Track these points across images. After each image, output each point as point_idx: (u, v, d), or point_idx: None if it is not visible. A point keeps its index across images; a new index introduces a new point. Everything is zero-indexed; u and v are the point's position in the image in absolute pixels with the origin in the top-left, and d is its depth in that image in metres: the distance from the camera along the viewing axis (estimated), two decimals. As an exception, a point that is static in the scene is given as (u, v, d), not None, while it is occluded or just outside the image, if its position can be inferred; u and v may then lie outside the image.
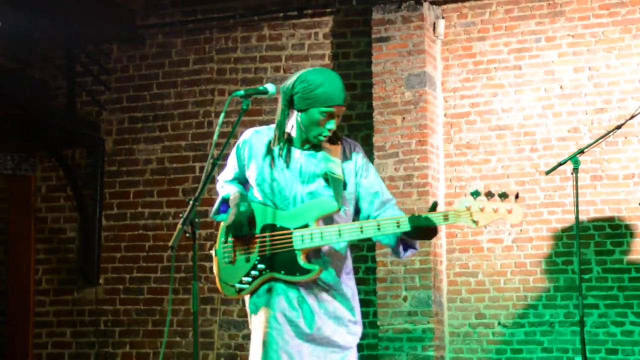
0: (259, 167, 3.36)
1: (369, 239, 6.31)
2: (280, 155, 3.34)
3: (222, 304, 6.89)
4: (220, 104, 7.06)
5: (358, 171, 3.36)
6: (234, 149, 3.48)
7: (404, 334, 6.26)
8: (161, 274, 7.05)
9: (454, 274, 6.47)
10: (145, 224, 7.15)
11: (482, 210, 3.02)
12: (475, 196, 3.03)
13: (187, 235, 3.10)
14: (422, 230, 3.14)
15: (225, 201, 3.40)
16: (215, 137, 3.29)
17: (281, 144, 3.33)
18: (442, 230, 6.50)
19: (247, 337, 6.77)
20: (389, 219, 3.19)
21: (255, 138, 3.42)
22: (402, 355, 6.23)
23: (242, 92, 3.31)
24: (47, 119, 6.99)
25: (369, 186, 3.36)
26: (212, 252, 3.42)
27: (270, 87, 3.34)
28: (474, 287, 6.42)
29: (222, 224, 3.41)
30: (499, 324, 6.35)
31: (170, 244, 3.03)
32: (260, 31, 7.08)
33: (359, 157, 3.38)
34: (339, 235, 3.20)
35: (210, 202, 6.89)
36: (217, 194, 3.51)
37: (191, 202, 3.08)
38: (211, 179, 3.19)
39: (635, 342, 5.99)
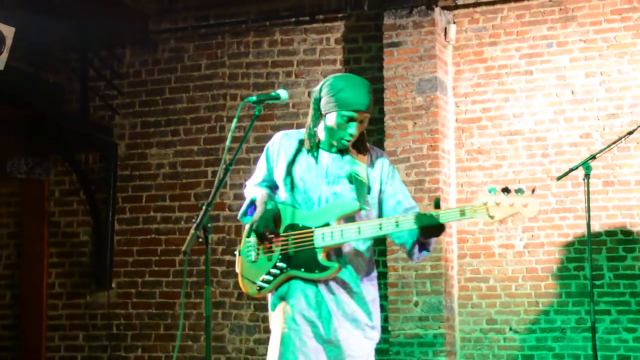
0: (287, 167, 3.44)
1: (383, 243, 6.38)
2: (309, 156, 3.41)
3: (233, 308, 6.91)
4: (232, 109, 7.09)
5: (383, 178, 3.44)
6: (264, 152, 3.57)
7: (415, 339, 6.26)
8: (173, 278, 7.08)
9: (465, 279, 6.47)
10: (157, 228, 7.18)
11: (498, 204, 3.07)
12: (492, 192, 3.07)
13: (200, 240, 3.12)
14: (436, 227, 3.16)
15: (252, 203, 3.46)
16: (227, 142, 3.34)
17: (310, 146, 3.41)
18: (453, 236, 6.50)
19: (258, 341, 6.79)
20: (406, 216, 3.23)
21: (285, 140, 3.52)
22: (413, 360, 6.23)
23: (254, 98, 3.37)
24: (60, 123, 7.04)
25: (392, 193, 3.44)
26: (236, 252, 3.49)
27: (282, 93, 3.39)
28: (485, 292, 6.42)
29: (247, 226, 3.45)
30: (511, 329, 6.34)
31: (183, 249, 3.06)
32: (272, 36, 7.11)
33: (385, 165, 3.46)
34: (358, 233, 3.26)
35: (223, 207, 6.94)
36: (242, 197, 3.56)
37: (204, 207, 3.12)
38: (224, 184, 3.22)
39: (647, 348, 5.98)
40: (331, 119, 3.35)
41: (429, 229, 3.19)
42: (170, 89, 7.30)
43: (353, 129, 3.34)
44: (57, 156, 7.42)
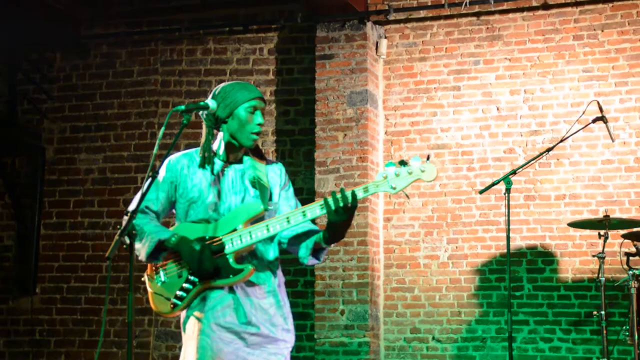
0: (192, 187, 3.39)
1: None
2: (210, 173, 3.40)
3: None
4: (164, 116, 7.07)
5: (281, 184, 3.47)
6: (162, 171, 3.42)
7: (340, 348, 6.34)
8: (99, 284, 7.01)
9: (390, 288, 6.59)
10: (84, 234, 7.11)
11: (397, 175, 3.12)
12: (390, 166, 3.13)
13: (125, 246, 3.12)
14: (343, 209, 3.15)
15: (156, 245, 3.32)
16: (155, 150, 3.32)
17: (209, 163, 3.38)
18: (380, 246, 6.61)
19: (185, 348, 6.78)
20: (312, 205, 3.23)
21: (184, 159, 3.44)
22: (338, 368, 6.31)
23: (182, 107, 3.35)
24: (-14, 126, 6.93)
25: (287, 198, 3.46)
26: (144, 277, 3.43)
27: (211, 103, 3.39)
28: (409, 302, 6.55)
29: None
30: (433, 338, 6.48)
31: (106, 255, 3.05)
32: (205, 45, 7.13)
33: (282, 172, 3.51)
34: (267, 230, 3.25)
35: (151, 213, 6.91)
36: (136, 226, 3.37)
37: (129, 214, 3.11)
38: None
39: (562, 358, 6.18)
40: (237, 116, 3.34)
41: (337, 212, 3.16)
42: (101, 94, 7.25)
43: (259, 117, 3.37)
44: (-18, 159, 7.29)
